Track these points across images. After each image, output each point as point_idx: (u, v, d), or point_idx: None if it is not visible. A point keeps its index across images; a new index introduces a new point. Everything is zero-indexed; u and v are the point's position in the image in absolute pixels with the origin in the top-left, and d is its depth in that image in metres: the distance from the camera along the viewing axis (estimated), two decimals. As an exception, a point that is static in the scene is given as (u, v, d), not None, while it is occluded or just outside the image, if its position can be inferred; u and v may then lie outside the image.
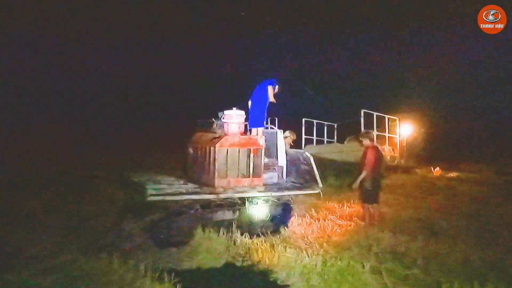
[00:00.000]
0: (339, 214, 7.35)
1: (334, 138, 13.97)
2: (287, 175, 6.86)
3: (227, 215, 5.63)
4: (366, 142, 6.40)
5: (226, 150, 5.70)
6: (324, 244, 5.52)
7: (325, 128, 13.32)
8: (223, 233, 5.11)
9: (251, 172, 5.90)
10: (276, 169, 6.74)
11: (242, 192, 5.71)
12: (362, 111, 11.13)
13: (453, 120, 23.34)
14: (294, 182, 6.83)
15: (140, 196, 5.17)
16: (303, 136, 12.86)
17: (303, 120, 12.75)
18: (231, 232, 5.24)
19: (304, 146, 13.06)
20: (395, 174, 11.74)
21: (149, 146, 15.72)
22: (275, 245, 4.93)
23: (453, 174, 14.54)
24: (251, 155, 5.88)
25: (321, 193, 6.41)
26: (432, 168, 14.99)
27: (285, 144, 11.45)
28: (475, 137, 24.13)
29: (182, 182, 6.08)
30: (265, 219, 6.06)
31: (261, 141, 6.00)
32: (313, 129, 13.21)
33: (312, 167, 6.38)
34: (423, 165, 14.66)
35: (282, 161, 6.73)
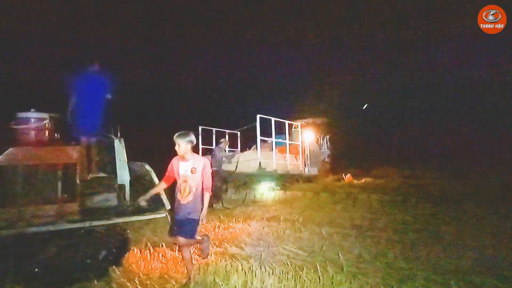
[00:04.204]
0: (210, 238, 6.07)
1: (237, 147, 12.85)
2: (132, 195, 5.39)
3: (16, 259, 4.01)
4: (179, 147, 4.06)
5: (14, 168, 4.11)
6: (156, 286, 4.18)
7: (227, 136, 12.10)
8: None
9: (59, 196, 4.36)
10: (115, 188, 5.25)
11: (43, 225, 4.14)
12: (258, 116, 10.10)
13: (366, 126, 23.53)
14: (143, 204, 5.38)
15: None
16: (200, 146, 11.55)
17: (200, 128, 11.44)
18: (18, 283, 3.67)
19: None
20: (297, 184, 10.83)
21: None
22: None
23: (364, 180, 14.26)
24: (59, 173, 4.35)
25: (168, 217, 5.04)
26: (343, 175, 14.59)
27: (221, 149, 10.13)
28: (394, 141, 24.57)
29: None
30: (87, 257, 4.54)
31: (75, 154, 4.49)
32: (212, 137, 11.97)
33: (155, 184, 4.99)
34: (333, 173, 14.12)
35: (123, 177, 5.25)
